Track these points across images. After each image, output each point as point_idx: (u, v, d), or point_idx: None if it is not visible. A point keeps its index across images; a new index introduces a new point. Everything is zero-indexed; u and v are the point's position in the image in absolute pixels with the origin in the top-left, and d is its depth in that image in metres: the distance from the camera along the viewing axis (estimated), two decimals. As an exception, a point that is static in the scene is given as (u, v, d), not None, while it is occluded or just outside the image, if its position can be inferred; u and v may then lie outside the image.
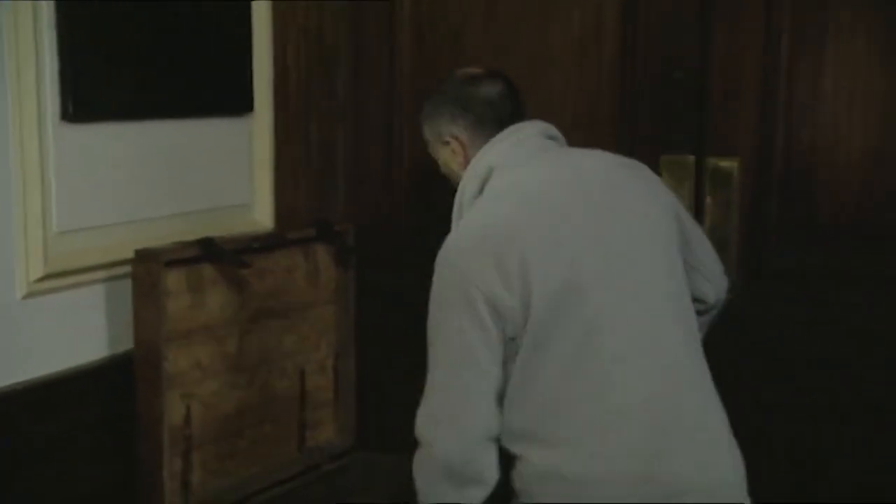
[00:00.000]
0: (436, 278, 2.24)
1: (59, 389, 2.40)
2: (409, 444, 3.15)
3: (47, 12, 2.33)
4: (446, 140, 2.40)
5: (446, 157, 2.42)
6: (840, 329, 2.74)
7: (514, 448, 2.18)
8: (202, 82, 2.75)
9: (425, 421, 2.21)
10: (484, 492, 2.20)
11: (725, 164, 2.81)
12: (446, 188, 3.13)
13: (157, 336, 2.50)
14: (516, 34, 2.99)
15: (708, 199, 2.83)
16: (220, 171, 2.86)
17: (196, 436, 2.65)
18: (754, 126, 2.79)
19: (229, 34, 2.84)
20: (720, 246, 2.81)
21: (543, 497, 2.14)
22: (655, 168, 2.84)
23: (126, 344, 2.54)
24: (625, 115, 2.91)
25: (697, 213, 2.84)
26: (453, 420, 2.18)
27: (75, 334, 2.47)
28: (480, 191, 2.30)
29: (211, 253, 2.63)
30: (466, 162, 2.36)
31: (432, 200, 3.13)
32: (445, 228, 3.09)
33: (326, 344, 3.07)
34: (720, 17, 2.79)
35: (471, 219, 2.26)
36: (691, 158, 2.84)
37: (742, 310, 2.80)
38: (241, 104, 2.90)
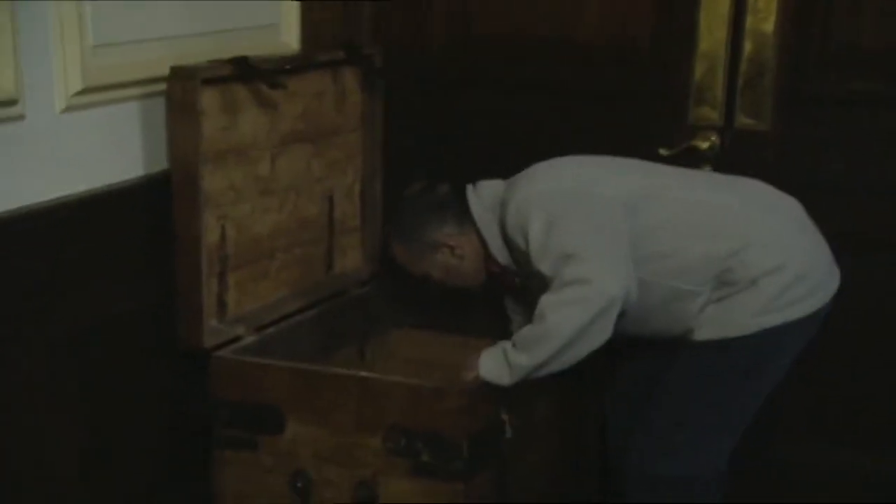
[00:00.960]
0: (569, 201, 2.46)
1: (97, 207, 2.36)
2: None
3: None
4: (440, 246, 2.65)
5: (444, 260, 2.66)
6: (877, 154, 2.73)
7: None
8: None
9: (584, 265, 2.34)
10: (600, 341, 2.36)
11: (766, -14, 2.75)
12: (475, 15, 3.07)
13: (194, 155, 2.46)
14: None
15: (748, 24, 2.77)
16: (248, -12, 2.79)
17: (230, 256, 2.64)
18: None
19: None
20: (758, 71, 2.79)
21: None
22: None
23: (161, 164, 2.51)
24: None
25: (736, 38, 2.79)
26: (613, 263, 2.36)
27: (113, 151, 2.42)
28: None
29: (246, 72, 2.57)
30: (464, 249, 2.63)
31: (461, 25, 3.07)
32: (475, 55, 3.06)
33: (353, 170, 3.05)
34: None
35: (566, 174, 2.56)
36: (732, -19, 2.78)
37: (780, 135, 2.79)
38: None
